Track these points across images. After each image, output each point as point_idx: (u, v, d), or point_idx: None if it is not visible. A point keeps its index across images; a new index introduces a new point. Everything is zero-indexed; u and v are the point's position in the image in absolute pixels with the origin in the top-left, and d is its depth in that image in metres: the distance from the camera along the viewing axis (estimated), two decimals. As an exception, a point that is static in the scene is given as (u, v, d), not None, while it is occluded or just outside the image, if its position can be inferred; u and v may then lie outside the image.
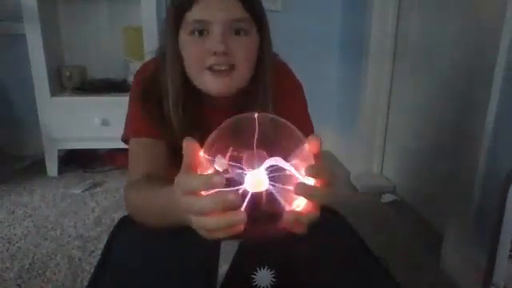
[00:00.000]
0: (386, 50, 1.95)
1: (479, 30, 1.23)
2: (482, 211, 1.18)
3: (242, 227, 0.40)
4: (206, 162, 0.43)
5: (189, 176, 0.43)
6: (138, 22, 1.97)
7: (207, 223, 0.41)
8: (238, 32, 0.71)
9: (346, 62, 2.33)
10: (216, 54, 0.69)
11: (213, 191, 0.40)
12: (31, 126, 2.10)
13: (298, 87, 0.87)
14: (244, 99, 0.77)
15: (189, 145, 0.44)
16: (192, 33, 0.71)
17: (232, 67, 0.72)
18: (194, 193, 0.41)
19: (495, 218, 0.83)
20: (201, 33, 0.70)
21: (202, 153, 0.44)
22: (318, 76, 2.32)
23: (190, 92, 0.76)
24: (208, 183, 0.40)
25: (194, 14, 0.70)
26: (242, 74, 0.74)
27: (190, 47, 0.72)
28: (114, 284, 0.63)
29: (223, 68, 0.71)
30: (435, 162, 1.64)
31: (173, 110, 0.75)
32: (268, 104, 0.77)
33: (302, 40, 2.29)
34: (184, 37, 0.72)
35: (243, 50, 0.72)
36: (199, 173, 0.44)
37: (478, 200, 1.20)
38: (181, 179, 0.43)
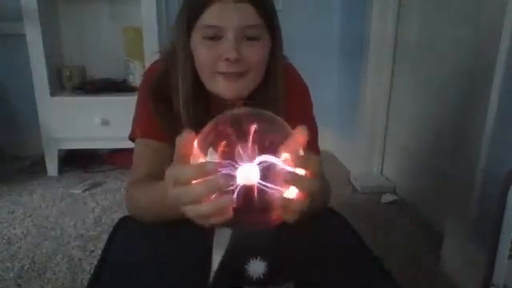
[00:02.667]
0: (386, 50, 1.94)
1: (479, 30, 1.23)
2: (482, 211, 1.18)
3: (231, 211, 0.42)
4: (198, 155, 0.44)
5: (183, 167, 0.44)
6: (138, 22, 1.97)
7: (202, 209, 0.42)
8: (250, 37, 0.70)
9: (346, 62, 2.33)
10: (228, 61, 0.69)
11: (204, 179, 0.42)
12: (31, 125, 2.10)
13: (304, 90, 0.87)
14: (254, 100, 0.77)
15: (186, 135, 0.45)
16: (205, 36, 0.70)
17: (244, 72, 0.72)
18: (188, 182, 0.42)
19: (495, 218, 0.83)
20: (213, 37, 0.70)
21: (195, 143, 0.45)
22: (317, 76, 2.30)
23: (200, 91, 0.76)
24: (202, 171, 0.42)
25: (208, 19, 0.69)
26: (254, 78, 0.74)
27: (202, 51, 0.72)
28: (113, 284, 0.63)
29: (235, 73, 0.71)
30: (435, 162, 1.64)
31: (183, 109, 0.75)
32: (278, 104, 0.77)
33: (302, 39, 2.29)
34: (196, 39, 0.72)
35: (255, 56, 0.71)
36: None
37: (478, 200, 1.20)
38: (174, 171, 0.44)
